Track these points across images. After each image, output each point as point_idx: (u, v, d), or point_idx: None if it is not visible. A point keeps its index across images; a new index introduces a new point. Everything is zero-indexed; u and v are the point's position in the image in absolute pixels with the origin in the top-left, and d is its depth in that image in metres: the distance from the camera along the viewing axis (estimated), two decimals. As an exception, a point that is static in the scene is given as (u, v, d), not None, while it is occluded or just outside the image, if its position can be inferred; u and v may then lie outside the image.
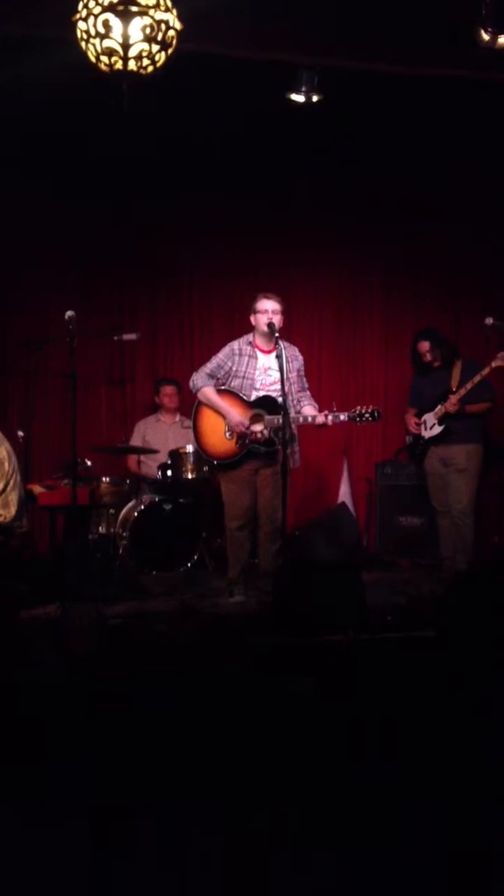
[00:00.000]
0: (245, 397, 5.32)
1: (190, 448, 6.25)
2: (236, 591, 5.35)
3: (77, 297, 6.53)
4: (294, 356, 5.44)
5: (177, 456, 6.29)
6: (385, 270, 7.62)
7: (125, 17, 3.77)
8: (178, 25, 3.94)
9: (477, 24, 5.02)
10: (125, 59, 3.81)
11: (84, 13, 3.85)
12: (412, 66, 5.69)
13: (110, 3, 3.77)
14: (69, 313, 5.23)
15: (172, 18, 3.91)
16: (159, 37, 3.82)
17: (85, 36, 3.88)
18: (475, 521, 6.02)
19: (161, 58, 3.90)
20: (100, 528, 6.32)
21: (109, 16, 3.77)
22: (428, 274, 7.60)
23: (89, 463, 6.26)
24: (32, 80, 5.11)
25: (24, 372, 6.79)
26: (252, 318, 5.41)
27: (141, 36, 3.80)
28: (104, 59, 3.88)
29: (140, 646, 4.09)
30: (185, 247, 7.28)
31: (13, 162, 6.45)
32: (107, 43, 3.82)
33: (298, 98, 5.86)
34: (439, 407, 5.95)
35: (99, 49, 3.85)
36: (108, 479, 6.33)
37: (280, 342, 5.17)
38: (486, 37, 5.03)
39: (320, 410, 5.29)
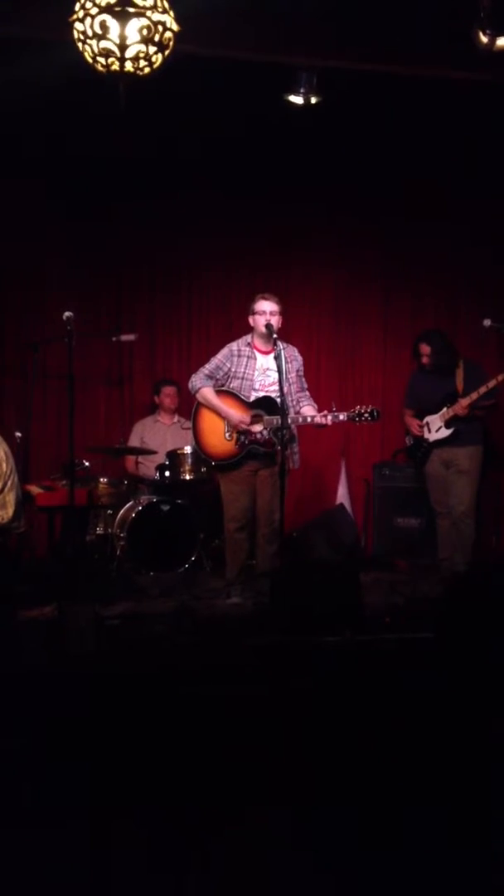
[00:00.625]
0: (244, 398, 5.33)
1: (188, 449, 6.25)
2: (234, 592, 5.35)
3: (75, 298, 6.52)
4: (293, 356, 5.44)
5: (175, 457, 6.29)
6: (383, 272, 7.62)
7: (122, 18, 3.77)
8: (175, 27, 3.94)
9: (475, 26, 5.02)
10: (122, 60, 3.82)
11: (81, 14, 3.85)
12: (410, 67, 5.70)
13: (107, 4, 3.77)
14: (67, 314, 5.23)
15: (169, 20, 3.91)
16: (156, 38, 3.82)
17: (82, 37, 3.88)
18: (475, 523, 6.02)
19: (158, 59, 3.90)
20: (97, 529, 6.32)
21: (106, 17, 3.77)
22: (426, 275, 7.60)
23: (87, 463, 6.26)
24: (30, 80, 5.12)
25: (22, 372, 6.80)
26: (250, 320, 5.42)
27: (138, 37, 3.80)
28: (101, 60, 3.88)
29: (137, 647, 4.09)
30: (183, 247, 7.28)
31: (12, 162, 6.46)
32: (104, 44, 3.82)
33: (297, 100, 5.87)
34: (445, 409, 5.92)
35: (96, 50, 3.86)
36: (105, 479, 6.33)
37: (279, 343, 5.18)
38: (484, 39, 5.03)
39: (319, 410, 5.29)
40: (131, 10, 3.75)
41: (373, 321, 7.65)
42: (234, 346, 5.43)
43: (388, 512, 6.91)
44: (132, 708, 2.73)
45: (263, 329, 5.27)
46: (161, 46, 3.85)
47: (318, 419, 5.20)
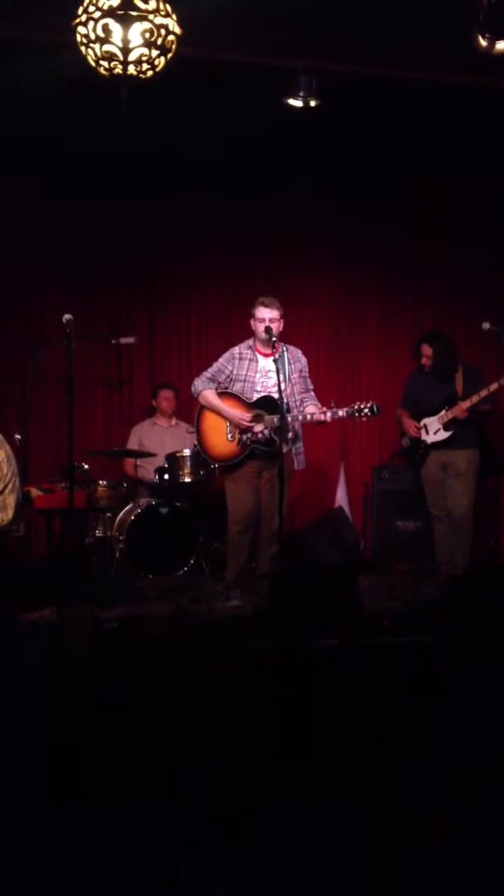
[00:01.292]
0: (246, 399, 5.34)
1: (187, 452, 6.25)
2: (233, 595, 5.35)
3: (75, 301, 6.52)
4: (296, 358, 5.46)
5: (174, 459, 6.29)
6: (382, 274, 7.63)
7: (125, 21, 3.78)
8: (177, 30, 3.95)
9: (474, 30, 5.03)
10: (125, 64, 3.83)
11: (84, 18, 3.86)
12: (409, 70, 5.71)
13: (110, 8, 3.78)
14: (67, 316, 5.23)
15: (172, 23, 3.92)
16: (159, 41, 3.84)
17: (85, 40, 3.89)
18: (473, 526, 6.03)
19: (160, 62, 3.91)
20: (96, 532, 6.33)
21: (109, 20, 3.78)
22: (425, 277, 7.62)
23: (86, 466, 6.26)
24: (32, 83, 5.12)
25: (22, 375, 6.80)
26: (252, 324, 5.43)
27: (140, 40, 3.81)
28: (104, 63, 3.89)
29: (136, 649, 4.09)
30: (182, 250, 7.29)
31: (12, 164, 6.46)
32: (106, 47, 3.83)
33: (296, 103, 5.88)
34: (444, 412, 5.91)
35: (98, 53, 3.87)
36: (104, 482, 6.33)
37: (283, 346, 5.19)
38: (483, 42, 5.04)
39: (319, 408, 5.30)
40: (134, 13, 3.76)
41: (371, 324, 7.66)
42: (236, 349, 5.45)
43: (387, 515, 6.90)
44: (131, 711, 2.73)
45: (263, 334, 5.29)
46: (163, 50, 3.86)
47: (317, 416, 5.20)
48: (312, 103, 5.87)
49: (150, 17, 3.79)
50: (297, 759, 2.50)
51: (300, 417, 5.26)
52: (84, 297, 6.99)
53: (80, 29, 3.86)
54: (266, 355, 5.38)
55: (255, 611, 4.87)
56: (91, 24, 3.80)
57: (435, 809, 2.26)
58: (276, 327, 5.30)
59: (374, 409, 5.17)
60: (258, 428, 5.25)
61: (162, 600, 5.51)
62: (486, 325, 5.89)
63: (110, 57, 3.84)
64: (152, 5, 3.80)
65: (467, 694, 2.64)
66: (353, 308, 7.64)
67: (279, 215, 7.27)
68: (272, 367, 5.29)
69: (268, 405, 5.26)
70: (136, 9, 3.79)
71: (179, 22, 3.97)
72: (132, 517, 6.03)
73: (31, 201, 6.82)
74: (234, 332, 6.48)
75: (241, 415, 5.28)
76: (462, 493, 5.93)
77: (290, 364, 5.30)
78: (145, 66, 3.87)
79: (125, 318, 7.27)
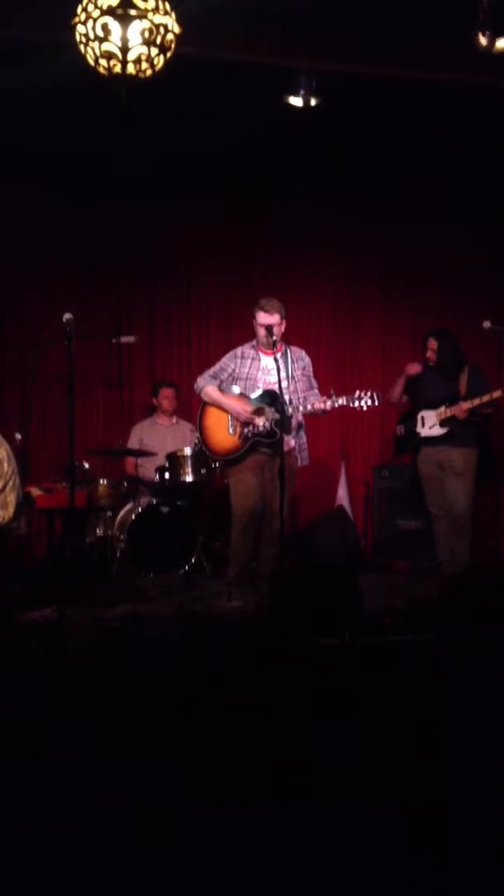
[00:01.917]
0: (248, 395, 5.36)
1: (187, 451, 6.25)
2: (234, 593, 5.34)
3: (75, 300, 6.51)
4: (300, 357, 5.48)
5: (174, 458, 6.29)
6: (383, 273, 7.63)
7: (124, 20, 3.78)
8: (176, 29, 3.95)
9: (475, 28, 5.03)
10: (124, 63, 3.82)
11: (83, 17, 3.85)
12: (409, 69, 5.70)
13: (109, 7, 3.78)
14: (67, 315, 5.23)
15: (171, 22, 3.92)
16: (158, 40, 3.83)
17: (84, 39, 3.89)
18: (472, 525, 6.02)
19: (160, 61, 3.91)
20: (97, 531, 6.33)
21: (108, 19, 3.78)
22: (426, 277, 7.61)
23: (87, 465, 6.25)
24: (31, 83, 5.12)
25: (22, 374, 6.80)
26: (254, 325, 5.45)
27: (140, 39, 3.80)
28: (103, 62, 3.88)
29: (137, 648, 4.09)
30: (182, 249, 7.29)
31: (12, 164, 6.46)
32: (106, 46, 3.83)
33: (297, 102, 5.88)
34: (444, 408, 5.92)
35: (98, 52, 3.86)
36: (105, 481, 6.33)
37: (286, 346, 5.21)
38: (483, 41, 5.04)
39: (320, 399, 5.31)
40: (133, 12, 3.76)
41: (371, 323, 7.66)
42: (238, 349, 5.48)
43: (387, 514, 6.90)
44: (132, 709, 2.74)
45: (264, 336, 5.31)
46: (163, 48, 3.86)
47: (318, 405, 5.21)
48: (313, 102, 5.87)
49: (150, 15, 3.79)
50: (298, 759, 2.50)
51: (301, 409, 5.28)
52: (84, 297, 6.98)
53: (80, 28, 3.86)
54: (269, 354, 5.39)
55: (257, 609, 4.87)
56: (90, 22, 3.80)
57: (435, 809, 2.26)
58: (277, 330, 5.32)
59: (375, 396, 5.18)
60: (259, 420, 5.26)
61: (163, 599, 5.50)
62: (486, 325, 5.91)
63: (109, 56, 3.84)
64: (151, 4, 3.80)
65: (467, 694, 2.64)
66: (353, 308, 7.63)
67: (279, 215, 7.27)
68: (274, 364, 5.30)
69: (269, 398, 5.27)
70: (136, 7, 3.79)
71: (179, 21, 3.97)
72: (133, 516, 6.02)
73: (31, 201, 6.81)
74: (234, 330, 6.49)
75: (244, 408, 5.29)
76: (460, 491, 5.93)
77: (292, 362, 5.32)
78: (145, 65, 3.86)
79: (125, 317, 7.27)
